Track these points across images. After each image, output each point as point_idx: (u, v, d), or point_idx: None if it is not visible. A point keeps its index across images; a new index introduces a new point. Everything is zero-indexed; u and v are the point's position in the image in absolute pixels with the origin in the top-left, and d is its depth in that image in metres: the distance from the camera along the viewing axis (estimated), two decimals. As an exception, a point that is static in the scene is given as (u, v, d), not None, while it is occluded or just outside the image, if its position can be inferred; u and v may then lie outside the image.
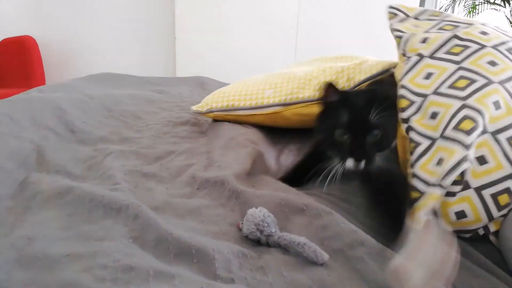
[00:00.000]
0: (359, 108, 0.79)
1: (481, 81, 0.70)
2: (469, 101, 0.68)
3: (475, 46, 0.76)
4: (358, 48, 3.01)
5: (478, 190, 0.66)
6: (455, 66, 0.75)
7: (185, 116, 1.49)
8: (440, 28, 0.86)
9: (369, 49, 3.07)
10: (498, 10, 3.81)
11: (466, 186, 0.66)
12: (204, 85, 2.14)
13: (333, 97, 0.84)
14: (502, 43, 0.77)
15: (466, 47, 0.77)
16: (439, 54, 0.79)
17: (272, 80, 1.31)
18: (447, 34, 0.81)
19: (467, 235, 0.70)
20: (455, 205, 0.66)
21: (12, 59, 3.12)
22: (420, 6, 3.24)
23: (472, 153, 0.64)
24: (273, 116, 1.23)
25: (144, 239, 0.63)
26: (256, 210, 0.67)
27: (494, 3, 3.80)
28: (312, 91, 1.16)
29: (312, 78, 1.21)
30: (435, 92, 0.74)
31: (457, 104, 0.69)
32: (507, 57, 0.74)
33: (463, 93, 0.70)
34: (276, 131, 1.28)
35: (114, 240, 0.62)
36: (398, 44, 0.90)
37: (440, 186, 0.63)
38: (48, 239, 0.62)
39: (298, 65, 1.67)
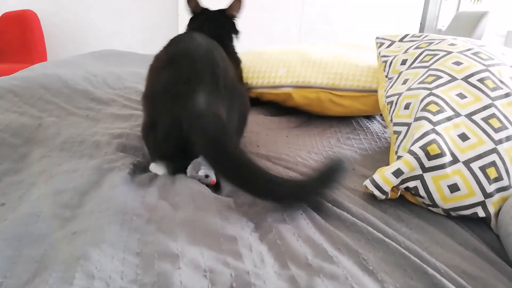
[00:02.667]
0: None
1: (445, 78, 0.82)
2: (435, 91, 0.80)
3: (442, 53, 0.89)
4: (360, 31, 2.97)
5: (467, 163, 0.71)
6: (425, 70, 0.88)
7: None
8: (417, 47, 0.99)
9: (371, 33, 3.04)
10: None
11: (456, 160, 0.71)
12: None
13: None
14: (468, 50, 0.88)
15: (435, 55, 0.90)
16: (414, 65, 0.94)
17: (287, 57, 1.34)
18: (421, 50, 0.96)
19: (467, 213, 0.72)
20: (448, 178, 0.70)
21: (13, 34, 3.09)
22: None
23: (440, 129, 0.72)
24: (283, 95, 1.27)
25: (150, 218, 0.65)
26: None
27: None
28: (325, 79, 1.23)
29: (327, 65, 1.26)
30: (408, 89, 0.86)
31: (425, 92, 0.81)
32: (472, 58, 0.84)
33: (430, 86, 0.82)
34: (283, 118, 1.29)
35: (120, 216, 0.63)
36: (383, 68, 1.04)
37: (410, 151, 0.71)
38: (55, 217, 0.63)
39: (315, 45, 1.69)
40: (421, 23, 3.13)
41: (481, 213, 0.71)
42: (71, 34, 3.40)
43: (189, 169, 0.81)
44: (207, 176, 0.79)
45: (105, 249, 0.54)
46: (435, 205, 0.73)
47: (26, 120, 1.04)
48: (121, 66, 1.88)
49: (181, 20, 3.02)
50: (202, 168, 0.80)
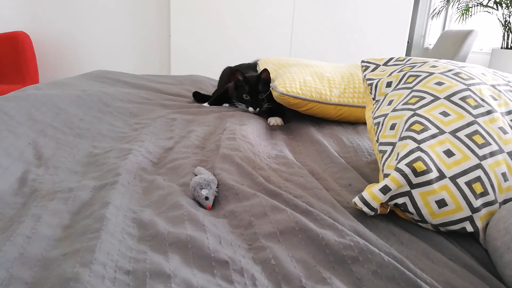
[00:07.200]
0: (253, 83, 1.55)
1: (428, 98, 0.85)
2: (419, 111, 0.83)
3: (424, 75, 0.92)
4: (346, 50, 3.03)
5: (453, 179, 0.72)
6: (408, 91, 0.91)
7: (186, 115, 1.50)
8: (401, 70, 1.02)
9: (360, 51, 3.10)
10: (491, 12, 3.86)
11: (442, 176, 0.72)
12: (199, 84, 2.15)
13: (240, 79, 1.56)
14: (449, 70, 0.91)
15: (418, 76, 0.93)
16: (398, 86, 0.97)
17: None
18: (404, 73, 0.99)
19: (455, 228, 0.73)
20: (435, 194, 0.71)
21: (6, 55, 3.10)
22: (414, 7, 3.28)
23: (425, 146, 0.74)
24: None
25: (141, 236, 0.65)
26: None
27: (486, 6, 3.85)
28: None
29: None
30: (393, 110, 0.89)
31: (409, 113, 0.84)
32: (452, 78, 0.87)
33: (414, 106, 0.85)
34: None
35: (111, 234, 0.63)
36: (370, 91, 1.07)
37: (397, 168, 0.72)
38: (46, 238, 0.63)
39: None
40: (408, 42, 3.20)
41: (469, 228, 0.72)
42: (63, 55, 3.43)
43: (194, 183, 0.81)
44: (206, 198, 0.79)
45: (95, 269, 0.54)
46: (424, 220, 0.74)
47: (16, 139, 1.04)
48: (115, 86, 1.89)
49: (173, 41, 3.07)
50: (206, 189, 0.80)
